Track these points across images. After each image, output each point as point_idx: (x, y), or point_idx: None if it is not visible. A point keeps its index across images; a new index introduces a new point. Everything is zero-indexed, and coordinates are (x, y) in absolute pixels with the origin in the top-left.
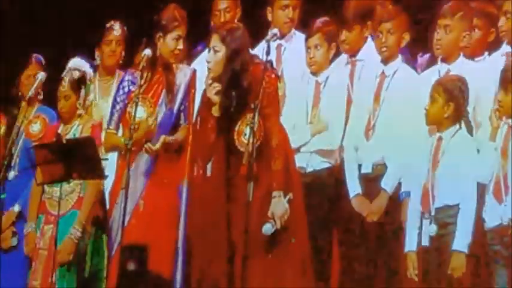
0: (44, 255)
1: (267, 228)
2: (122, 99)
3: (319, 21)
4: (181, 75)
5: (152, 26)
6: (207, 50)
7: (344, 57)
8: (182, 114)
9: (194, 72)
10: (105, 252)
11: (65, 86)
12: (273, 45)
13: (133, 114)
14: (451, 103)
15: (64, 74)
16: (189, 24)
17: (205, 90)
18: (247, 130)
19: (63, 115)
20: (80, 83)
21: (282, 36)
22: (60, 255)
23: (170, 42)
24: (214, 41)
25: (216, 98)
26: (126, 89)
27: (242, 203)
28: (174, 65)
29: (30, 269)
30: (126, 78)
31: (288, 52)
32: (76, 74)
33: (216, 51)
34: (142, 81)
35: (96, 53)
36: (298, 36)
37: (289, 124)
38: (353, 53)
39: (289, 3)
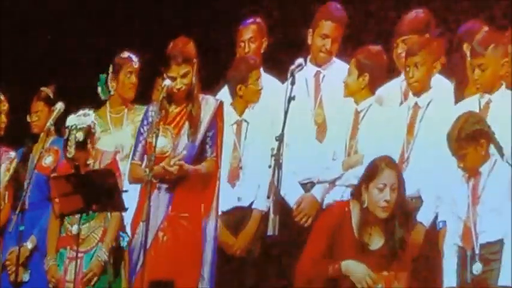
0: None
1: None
2: (145, 129)
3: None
4: (206, 107)
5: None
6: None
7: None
8: (208, 146)
9: (221, 104)
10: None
11: (71, 152)
12: (311, 72)
13: (154, 144)
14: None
15: (66, 137)
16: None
17: None
18: None
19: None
20: (85, 140)
21: (320, 64)
22: (87, 277)
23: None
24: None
25: None
26: (149, 119)
27: None
28: (200, 96)
29: None
30: (151, 109)
31: (327, 79)
32: (80, 137)
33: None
34: (164, 112)
35: (111, 84)
36: (338, 64)
37: (329, 154)
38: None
39: (329, 34)
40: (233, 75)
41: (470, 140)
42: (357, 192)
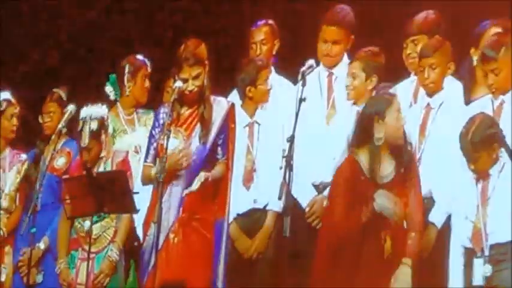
0: None
1: None
2: (156, 132)
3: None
4: (218, 109)
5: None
6: None
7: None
8: (219, 148)
9: (232, 105)
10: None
11: (85, 142)
12: (324, 73)
13: (165, 146)
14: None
15: (80, 128)
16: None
17: None
18: None
19: (88, 164)
20: (99, 130)
21: (330, 67)
22: (98, 279)
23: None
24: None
25: None
26: (161, 121)
27: None
28: (211, 97)
29: None
30: (162, 111)
31: (338, 80)
32: (95, 125)
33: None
34: (176, 114)
35: (128, 84)
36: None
37: (330, 156)
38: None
39: (328, 38)
40: (242, 78)
41: (484, 143)
42: (357, 143)
